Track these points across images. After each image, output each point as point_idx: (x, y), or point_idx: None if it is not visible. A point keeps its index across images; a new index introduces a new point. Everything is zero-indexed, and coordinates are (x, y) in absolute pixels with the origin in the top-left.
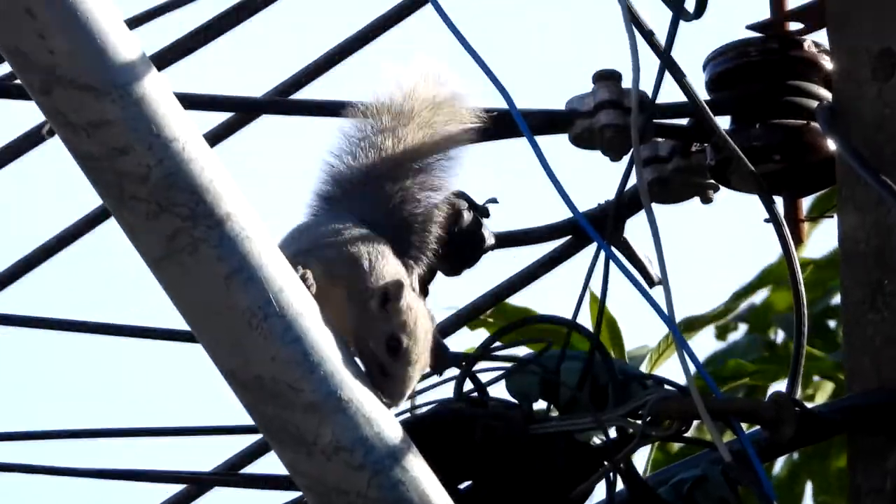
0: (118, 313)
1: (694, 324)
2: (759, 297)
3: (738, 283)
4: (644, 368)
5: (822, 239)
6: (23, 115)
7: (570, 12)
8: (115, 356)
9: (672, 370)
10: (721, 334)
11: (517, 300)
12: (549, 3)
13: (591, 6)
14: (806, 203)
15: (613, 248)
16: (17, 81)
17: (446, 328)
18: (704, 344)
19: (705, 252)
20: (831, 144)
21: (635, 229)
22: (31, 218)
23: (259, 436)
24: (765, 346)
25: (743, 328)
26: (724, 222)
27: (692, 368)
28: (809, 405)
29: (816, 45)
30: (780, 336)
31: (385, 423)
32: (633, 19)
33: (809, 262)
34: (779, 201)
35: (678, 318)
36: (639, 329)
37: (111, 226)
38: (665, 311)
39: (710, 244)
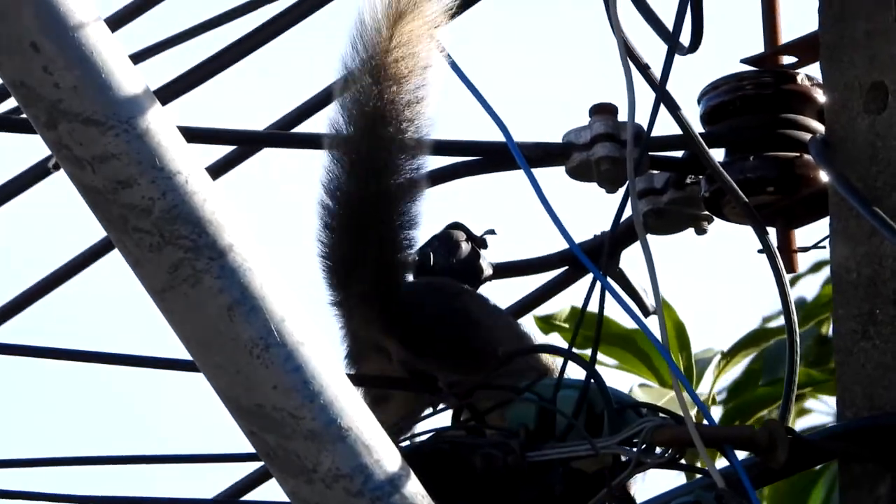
0: (119, 342)
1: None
2: (808, 291)
3: (735, 311)
4: (711, 373)
5: None
6: (29, 148)
7: (567, 45)
8: (115, 384)
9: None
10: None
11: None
12: (545, 36)
13: (587, 40)
14: (799, 234)
15: (609, 279)
16: (23, 115)
17: None
18: None
19: (701, 281)
20: (824, 176)
21: (631, 260)
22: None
23: (261, 463)
24: (818, 341)
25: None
26: (719, 252)
27: (687, 396)
28: None
29: (809, 78)
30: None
31: (384, 451)
32: (628, 53)
33: None
34: (772, 232)
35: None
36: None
37: (115, 257)
38: (660, 339)
39: (706, 274)
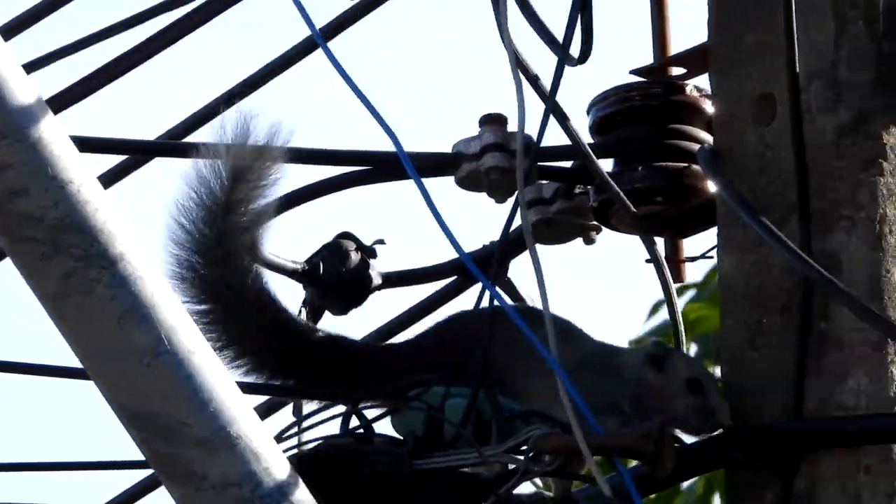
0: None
1: None
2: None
3: (623, 320)
4: None
5: None
6: None
7: (458, 55)
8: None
9: None
10: None
11: None
12: (436, 46)
13: (478, 50)
14: (688, 244)
15: (498, 288)
16: None
17: None
18: None
19: (591, 290)
20: (712, 186)
21: (520, 269)
22: None
23: (151, 471)
24: None
25: None
26: (609, 262)
27: (572, 405)
28: None
29: (698, 89)
30: (692, 352)
31: (273, 458)
32: (518, 64)
33: None
34: (660, 242)
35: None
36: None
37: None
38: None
39: (595, 283)
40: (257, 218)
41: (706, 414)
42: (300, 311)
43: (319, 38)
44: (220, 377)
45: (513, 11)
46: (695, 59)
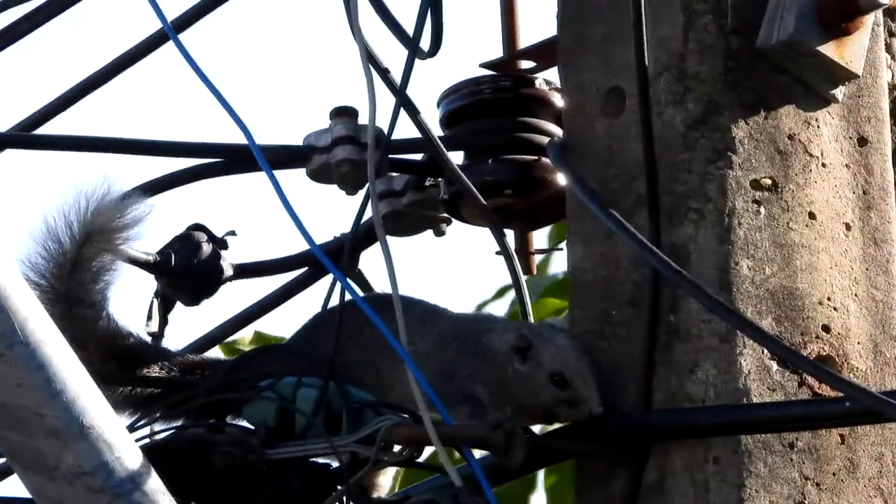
0: None
1: None
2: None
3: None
4: None
5: None
6: None
7: (310, 48)
8: None
9: None
10: None
11: (271, 329)
12: (288, 38)
13: (330, 42)
14: (539, 235)
15: (349, 279)
16: None
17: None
18: None
19: (441, 282)
20: (561, 179)
21: (371, 261)
22: None
23: (3, 460)
24: None
25: None
26: (460, 253)
27: (423, 395)
28: None
29: (548, 82)
30: None
31: (126, 448)
32: (369, 57)
33: None
34: (510, 234)
35: None
36: None
37: None
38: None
39: (445, 274)
40: (105, 274)
41: (574, 405)
42: (152, 303)
43: (170, 30)
44: (72, 367)
45: (363, 5)
46: (544, 53)
